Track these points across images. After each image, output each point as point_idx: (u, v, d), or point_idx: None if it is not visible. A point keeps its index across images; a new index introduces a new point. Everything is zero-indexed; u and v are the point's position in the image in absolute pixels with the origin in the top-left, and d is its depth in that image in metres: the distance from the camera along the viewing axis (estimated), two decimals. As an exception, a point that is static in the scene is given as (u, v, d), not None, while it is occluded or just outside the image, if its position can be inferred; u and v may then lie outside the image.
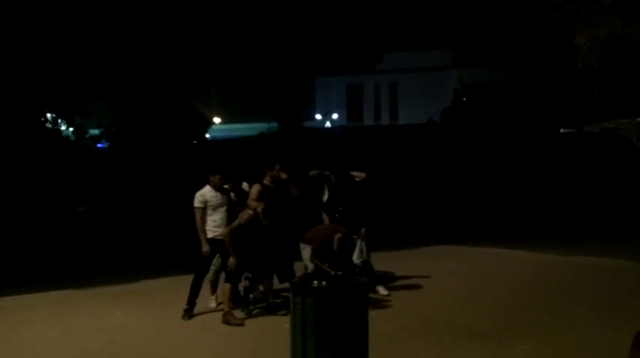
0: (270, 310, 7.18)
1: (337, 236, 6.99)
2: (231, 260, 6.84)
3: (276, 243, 7.13)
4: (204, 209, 7.15)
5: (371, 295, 7.67)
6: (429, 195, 18.97)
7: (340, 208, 7.80)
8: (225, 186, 7.39)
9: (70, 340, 6.34)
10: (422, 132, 24.29)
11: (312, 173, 8.06)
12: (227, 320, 6.71)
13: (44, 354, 5.86)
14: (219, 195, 7.23)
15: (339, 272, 6.46)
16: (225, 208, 7.27)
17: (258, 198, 7.25)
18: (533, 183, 19.21)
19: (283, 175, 7.48)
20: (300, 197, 7.65)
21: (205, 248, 7.08)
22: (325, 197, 8.09)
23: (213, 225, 7.19)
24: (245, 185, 7.80)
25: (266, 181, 7.47)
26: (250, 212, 6.96)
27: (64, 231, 16.38)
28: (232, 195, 7.51)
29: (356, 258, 7.76)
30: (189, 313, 7.07)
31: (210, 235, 7.16)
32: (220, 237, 7.06)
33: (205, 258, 7.15)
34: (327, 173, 8.10)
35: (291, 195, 7.59)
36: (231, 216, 7.22)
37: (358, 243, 7.80)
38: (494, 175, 19.55)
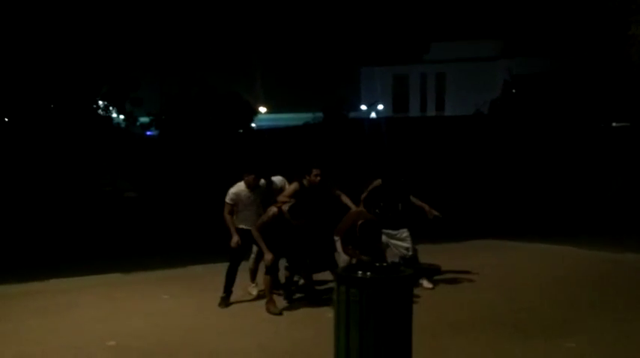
0: (313, 299, 7.22)
1: (359, 222, 6.95)
2: (267, 256, 6.90)
3: (311, 237, 7.15)
4: (233, 205, 7.24)
5: (416, 288, 7.67)
6: (475, 188, 18.72)
7: (381, 203, 7.78)
8: (260, 183, 7.42)
9: (116, 322, 6.51)
10: (469, 124, 23.93)
11: (376, 183, 8.00)
12: (268, 309, 6.79)
13: (90, 336, 6.03)
14: (251, 195, 7.29)
15: (371, 259, 6.51)
16: (256, 205, 7.32)
17: (293, 197, 7.29)
18: (583, 177, 18.76)
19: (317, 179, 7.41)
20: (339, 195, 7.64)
21: (235, 238, 7.14)
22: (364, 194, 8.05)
23: (243, 218, 7.28)
24: (279, 178, 7.79)
25: (305, 182, 7.49)
26: (275, 210, 6.97)
27: (114, 216, 16.79)
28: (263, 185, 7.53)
29: (403, 249, 7.72)
30: (225, 301, 7.16)
31: (240, 225, 7.24)
32: (250, 228, 7.17)
33: (237, 248, 7.20)
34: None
35: (332, 194, 7.59)
36: (265, 209, 7.29)
37: (408, 240, 7.75)
38: (543, 169, 19.15)
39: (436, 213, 7.99)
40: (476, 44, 44.36)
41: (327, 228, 7.32)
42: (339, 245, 7.17)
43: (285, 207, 6.92)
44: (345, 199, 7.61)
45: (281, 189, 7.58)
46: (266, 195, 7.50)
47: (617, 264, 9.69)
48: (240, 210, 7.28)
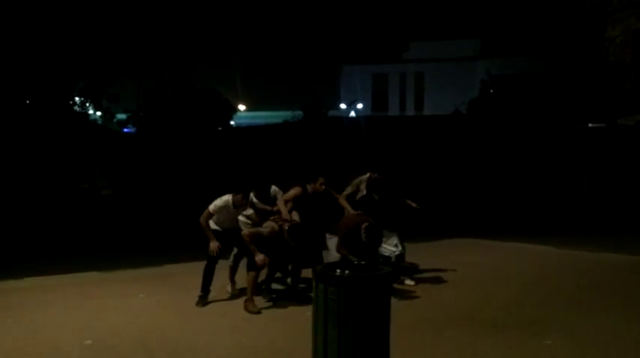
0: (293, 297, 7.20)
1: (364, 225, 6.96)
2: (257, 257, 6.85)
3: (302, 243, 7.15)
4: (213, 214, 7.18)
5: (397, 286, 7.70)
6: (453, 187, 18.84)
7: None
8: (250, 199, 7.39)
9: (92, 321, 6.43)
10: (447, 124, 24.09)
11: (373, 176, 8.01)
12: (246, 307, 6.76)
13: (66, 335, 5.95)
14: (235, 211, 7.25)
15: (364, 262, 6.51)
16: (236, 216, 7.29)
17: (293, 201, 7.31)
18: (559, 177, 18.99)
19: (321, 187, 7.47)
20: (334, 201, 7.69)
21: (214, 243, 7.09)
22: (360, 195, 8.07)
23: (221, 222, 7.27)
24: (273, 188, 7.72)
25: (308, 188, 7.48)
26: (275, 227, 6.91)
27: (90, 213, 16.62)
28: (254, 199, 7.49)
29: (390, 248, 7.76)
30: (203, 300, 7.11)
31: (215, 227, 7.22)
32: (230, 227, 7.16)
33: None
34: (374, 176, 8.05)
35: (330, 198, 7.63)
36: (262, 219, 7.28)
37: (395, 238, 7.80)
38: (520, 169, 19.36)
39: (415, 204, 8.09)
40: (454, 44, 44.60)
41: (318, 225, 7.34)
42: (333, 242, 7.17)
43: (286, 227, 6.84)
44: (343, 202, 7.69)
45: (274, 198, 7.54)
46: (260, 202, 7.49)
47: (592, 262, 9.84)
48: (218, 215, 7.24)
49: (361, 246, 6.98)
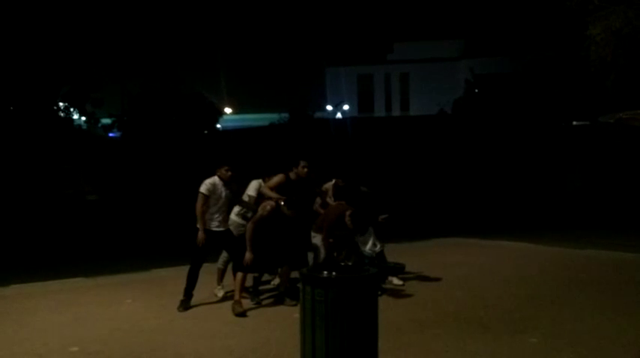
0: (281, 300, 7.20)
1: (349, 212, 7.00)
2: (248, 255, 6.85)
3: (294, 233, 7.17)
4: (208, 197, 7.05)
5: (385, 286, 7.73)
6: (439, 187, 18.93)
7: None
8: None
9: (79, 328, 6.39)
10: (433, 124, 24.21)
11: (340, 183, 7.99)
12: (233, 309, 6.75)
13: (52, 342, 5.90)
14: (224, 190, 7.16)
15: (350, 262, 6.58)
16: (226, 202, 7.22)
17: (277, 188, 7.26)
18: (544, 175, 19.14)
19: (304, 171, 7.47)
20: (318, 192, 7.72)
21: (202, 235, 6.99)
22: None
23: (210, 215, 7.11)
24: (253, 183, 7.72)
25: (291, 175, 7.47)
26: (272, 203, 6.95)
27: (76, 219, 16.51)
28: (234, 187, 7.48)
29: (368, 248, 7.80)
30: (185, 304, 7.05)
31: (208, 226, 7.10)
32: (218, 229, 7.10)
33: (201, 249, 7.07)
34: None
35: (315, 191, 7.65)
36: (230, 209, 7.28)
37: (371, 238, 7.83)
38: (506, 167, 19.49)
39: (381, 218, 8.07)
40: (438, 44, 44.87)
41: (302, 225, 7.35)
42: (318, 240, 7.19)
43: (282, 201, 6.91)
44: (329, 198, 7.72)
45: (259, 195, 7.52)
46: (237, 194, 7.45)
47: (579, 259, 9.91)
48: (210, 205, 7.09)
49: (347, 234, 7.02)
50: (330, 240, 7.09)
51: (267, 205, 6.98)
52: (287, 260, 7.23)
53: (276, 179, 7.41)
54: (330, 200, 7.85)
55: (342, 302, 4.02)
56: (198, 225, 7.05)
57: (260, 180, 7.73)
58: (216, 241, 7.15)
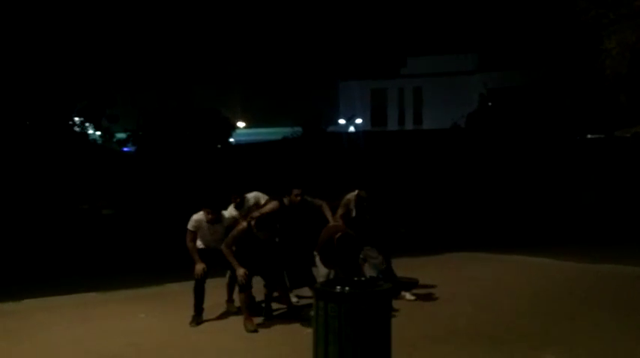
0: (291, 315, 7.18)
1: (337, 235, 6.86)
2: (239, 272, 6.84)
3: (286, 253, 7.14)
4: (195, 232, 7.19)
5: (397, 301, 7.67)
6: (452, 201, 18.84)
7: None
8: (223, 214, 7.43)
9: (91, 342, 6.39)
10: (446, 138, 24.16)
11: (363, 194, 7.94)
12: (245, 326, 6.73)
13: (66, 356, 5.92)
14: (211, 227, 7.26)
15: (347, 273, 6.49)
16: (219, 235, 7.26)
17: (269, 214, 7.25)
18: (559, 189, 18.99)
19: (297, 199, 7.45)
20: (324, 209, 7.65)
21: (200, 266, 7.06)
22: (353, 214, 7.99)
23: (205, 242, 7.28)
24: (253, 194, 7.76)
25: (286, 201, 7.47)
26: (244, 224, 6.94)
27: (91, 233, 16.59)
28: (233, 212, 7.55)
29: (373, 269, 7.71)
30: (196, 319, 7.06)
31: (202, 246, 7.22)
32: (209, 247, 7.17)
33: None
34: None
35: (313, 208, 7.60)
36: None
37: (375, 254, 7.77)
38: (520, 181, 19.36)
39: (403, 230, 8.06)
40: (452, 59, 44.90)
41: (306, 244, 7.29)
42: (318, 259, 7.14)
43: (253, 222, 6.87)
44: (326, 211, 7.59)
45: (256, 205, 7.54)
46: (239, 216, 7.48)
47: (593, 274, 9.78)
48: (201, 236, 7.27)
49: (337, 257, 6.83)
50: (328, 265, 7.00)
51: (240, 225, 6.99)
52: (283, 278, 7.21)
53: (270, 206, 7.34)
54: (329, 214, 7.69)
55: (356, 317, 4.00)
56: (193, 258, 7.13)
57: (260, 195, 7.76)
58: (215, 258, 7.17)
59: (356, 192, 7.94)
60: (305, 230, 7.41)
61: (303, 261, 7.36)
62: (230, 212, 7.60)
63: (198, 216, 7.25)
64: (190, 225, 7.19)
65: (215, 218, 7.24)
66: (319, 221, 7.63)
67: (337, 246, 6.67)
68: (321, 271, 7.10)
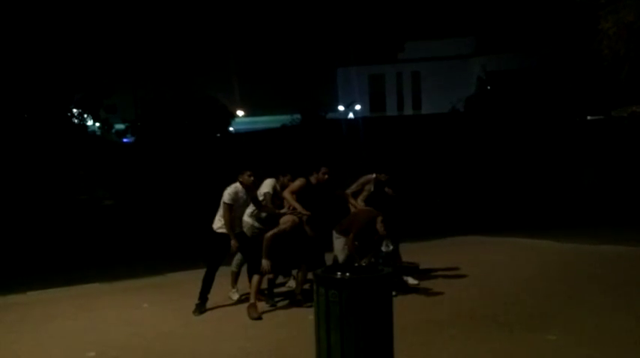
0: (296, 302, 7.21)
1: (380, 218, 7.00)
2: (265, 262, 6.85)
3: (310, 241, 7.20)
4: (231, 206, 7.04)
5: (399, 286, 7.69)
6: (453, 185, 18.85)
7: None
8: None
9: (96, 332, 6.42)
10: (446, 122, 24.10)
11: (382, 178, 8.02)
12: (249, 313, 6.76)
13: (69, 348, 5.94)
14: (245, 196, 7.14)
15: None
16: (244, 206, 7.22)
17: (298, 193, 7.27)
18: (559, 171, 18.99)
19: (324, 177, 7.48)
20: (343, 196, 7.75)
21: (234, 242, 6.98)
22: (366, 194, 8.06)
23: (236, 213, 7.14)
24: (268, 181, 7.73)
25: (312, 179, 7.48)
26: (296, 218, 6.97)
27: (91, 224, 16.62)
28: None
29: (383, 248, 7.77)
30: (200, 308, 7.06)
31: (222, 231, 7.07)
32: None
33: (218, 253, 7.10)
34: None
35: (336, 194, 7.67)
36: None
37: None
38: (520, 164, 19.36)
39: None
40: (449, 42, 44.70)
41: (322, 224, 7.36)
42: (340, 243, 7.21)
43: (305, 218, 6.97)
44: (352, 200, 7.75)
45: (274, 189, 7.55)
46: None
47: (595, 255, 9.83)
48: (235, 209, 7.09)
49: (375, 239, 7.06)
50: (356, 243, 7.08)
51: (290, 220, 6.98)
52: (303, 262, 7.23)
53: (298, 183, 7.40)
54: (354, 201, 7.80)
55: (357, 302, 4.01)
56: (228, 232, 6.99)
57: (274, 179, 7.73)
58: (229, 244, 7.14)
59: (374, 175, 8.00)
60: (325, 211, 7.47)
61: (319, 244, 7.41)
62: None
63: (233, 188, 7.09)
64: (228, 198, 6.99)
65: (254, 182, 7.16)
66: (336, 201, 7.74)
67: (384, 228, 6.99)
68: (340, 255, 7.21)
